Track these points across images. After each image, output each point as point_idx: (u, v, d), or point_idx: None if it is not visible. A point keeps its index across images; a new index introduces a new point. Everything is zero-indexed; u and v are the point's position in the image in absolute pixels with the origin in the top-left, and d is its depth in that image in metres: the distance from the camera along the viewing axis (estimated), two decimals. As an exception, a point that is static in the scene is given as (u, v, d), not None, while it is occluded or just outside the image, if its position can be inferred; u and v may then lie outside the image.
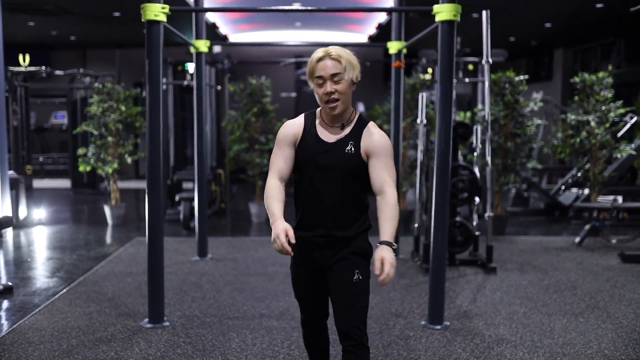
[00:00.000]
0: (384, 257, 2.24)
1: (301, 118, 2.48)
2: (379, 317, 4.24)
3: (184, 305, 4.51)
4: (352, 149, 2.36)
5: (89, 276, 5.35)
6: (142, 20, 3.87)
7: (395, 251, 2.31)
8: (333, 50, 2.32)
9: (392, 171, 2.38)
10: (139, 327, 4.03)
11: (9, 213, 7.33)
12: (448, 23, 3.87)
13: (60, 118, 14.88)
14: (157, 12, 3.84)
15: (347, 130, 2.40)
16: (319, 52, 2.32)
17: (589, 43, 13.40)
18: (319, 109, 2.46)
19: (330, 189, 2.38)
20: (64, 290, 4.88)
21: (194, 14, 5.70)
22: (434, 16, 3.95)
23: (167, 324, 4.09)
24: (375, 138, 2.37)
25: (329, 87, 2.30)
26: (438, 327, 4.02)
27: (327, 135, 2.41)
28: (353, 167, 2.37)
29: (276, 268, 5.63)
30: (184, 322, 4.14)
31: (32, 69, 9.42)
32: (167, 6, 3.89)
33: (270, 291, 4.87)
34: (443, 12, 3.85)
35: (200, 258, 6.03)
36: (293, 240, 2.21)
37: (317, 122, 2.44)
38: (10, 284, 4.91)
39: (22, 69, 9.33)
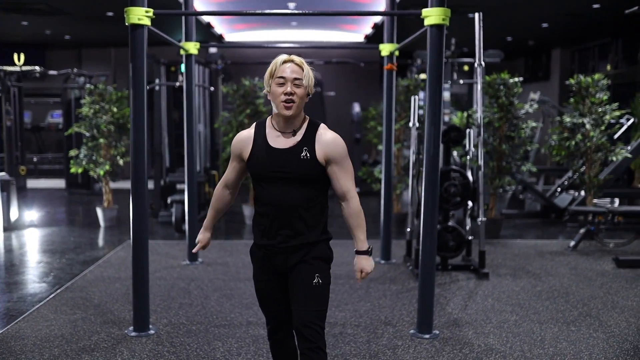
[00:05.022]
0: (363, 267, 2.49)
1: (252, 129, 2.55)
2: (367, 325, 4.19)
3: (171, 313, 4.45)
4: (308, 155, 2.42)
5: (76, 281, 5.29)
6: (126, 24, 3.81)
7: (370, 252, 2.51)
8: (296, 58, 2.44)
9: (351, 172, 2.48)
10: (124, 336, 3.97)
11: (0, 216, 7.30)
12: (437, 27, 3.81)
13: (57, 117, 14.79)
14: (140, 16, 3.77)
15: (299, 136, 2.46)
16: (284, 56, 2.44)
17: (586, 43, 13.32)
18: (269, 118, 2.53)
19: (289, 195, 2.43)
20: (50, 297, 4.82)
21: (183, 17, 5.63)
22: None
23: (152, 332, 4.03)
24: (330, 142, 2.44)
25: (289, 87, 2.39)
26: (427, 336, 3.97)
27: (278, 143, 2.46)
28: (310, 173, 2.43)
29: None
30: (170, 330, 4.08)
31: (26, 68, 9.35)
32: (151, 10, 3.82)
33: (259, 297, 4.81)
34: (432, 16, 3.78)
35: (190, 262, 5.97)
36: (200, 246, 2.71)
37: (267, 130, 2.49)
38: (-5, 289, 4.86)
39: (15, 68, 9.26)
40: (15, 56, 9.33)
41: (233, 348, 3.77)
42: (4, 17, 10.06)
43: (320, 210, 2.51)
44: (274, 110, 2.46)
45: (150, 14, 3.83)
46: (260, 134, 2.50)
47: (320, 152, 2.43)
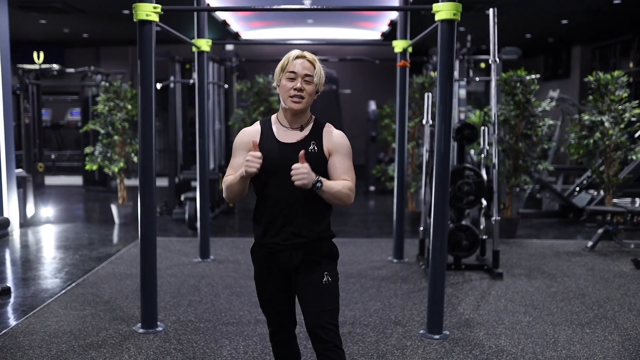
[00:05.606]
0: (305, 164, 2.25)
1: (257, 125, 2.52)
2: (377, 325, 4.13)
3: (180, 310, 4.44)
4: (315, 148, 2.42)
5: (88, 277, 5.31)
6: (134, 20, 3.80)
7: (316, 182, 2.28)
8: (309, 54, 2.43)
9: (351, 172, 2.43)
10: (132, 332, 3.97)
11: (15, 212, 7.38)
12: (448, 22, 3.74)
13: (77, 115, 14.97)
14: (148, 12, 3.76)
15: (307, 131, 2.45)
16: (296, 51, 2.43)
17: (607, 40, 13.07)
18: (274, 115, 2.53)
19: (294, 190, 2.36)
20: (62, 292, 4.84)
21: (195, 13, 5.62)
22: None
23: (160, 328, 4.03)
24: (336, 137, 2.45)
25: (299, 83, 2.38)
26: (437, 336, 3.90)
27: (286, 137, 2.44)
28: (317, 167, 2.37)
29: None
30: (178, 328, 4.07)
31: (44, 66, 9.44)
32: (159, 6, 3.81)
33: (269, 295, 4.78)
34: (443, 11, 3.71)
35: (202, 260, 5.96)
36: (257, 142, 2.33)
37: (274, 126, 2.47)
38: (8, 285, 4.89)
39: (34, 66, 9.36)
40: (35, 54, 9.43)
41: (240, 346, 3.75)
42: (23, 15, 10.17)
43: (324, 206, 2.45)
44: (282, 105, 2.45)
45: (159, 10, 3.81)
46: (267, 129, 2.48)
47: (326, 145, 2.43)
